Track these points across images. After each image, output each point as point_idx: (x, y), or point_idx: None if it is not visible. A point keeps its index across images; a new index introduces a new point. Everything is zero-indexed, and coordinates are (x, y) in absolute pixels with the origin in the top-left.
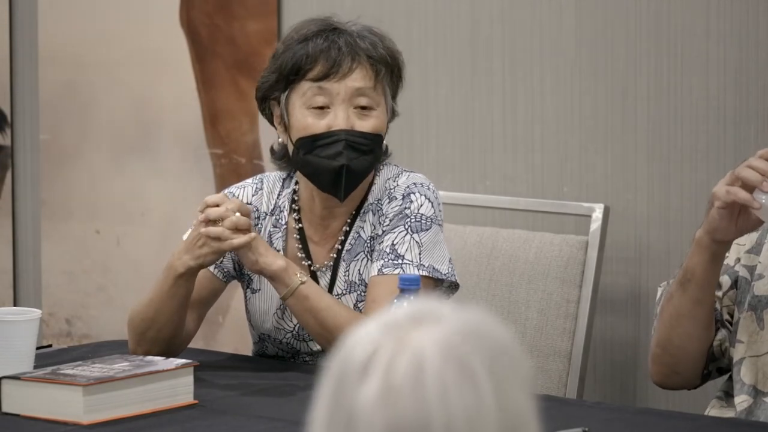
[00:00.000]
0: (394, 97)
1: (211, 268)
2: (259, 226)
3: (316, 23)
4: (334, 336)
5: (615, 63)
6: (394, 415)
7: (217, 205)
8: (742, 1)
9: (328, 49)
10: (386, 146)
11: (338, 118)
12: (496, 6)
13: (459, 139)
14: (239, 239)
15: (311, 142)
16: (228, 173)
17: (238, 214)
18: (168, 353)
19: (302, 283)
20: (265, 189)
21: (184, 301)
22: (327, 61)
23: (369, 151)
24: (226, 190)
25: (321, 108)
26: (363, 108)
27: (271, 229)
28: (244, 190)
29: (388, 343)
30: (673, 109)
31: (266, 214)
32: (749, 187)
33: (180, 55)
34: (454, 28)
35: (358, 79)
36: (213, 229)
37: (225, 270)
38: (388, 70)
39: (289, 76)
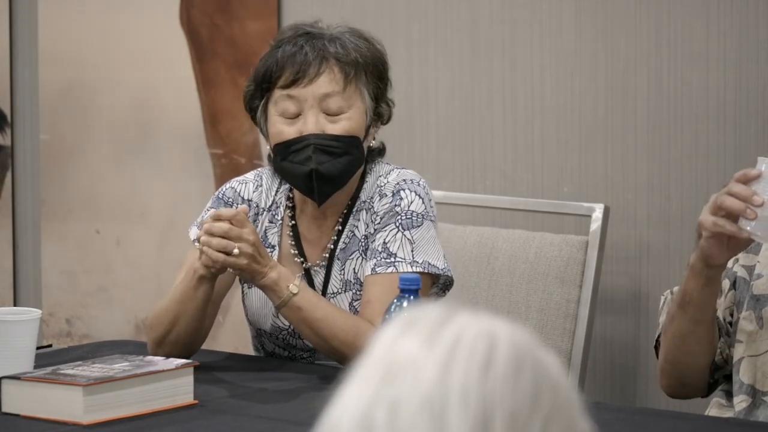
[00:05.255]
0: (377, 98)
1: None
2: (257, 221)
3: (292, 29)
4: (330, 345)
5: (615, 63)
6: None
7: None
8: (742, 1)
9: (294, 55)
10: (382, 144)
11: (308, 124)
12: (496, 6)
13: (459, 139)
14: (217, 256)
15: (284, 149)
16: (228, 173)
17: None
18: (188, 354)
19: (294, 294)
20: (264, 185)
21: (204, 304)
22: (293, 67)
23: (343, 153)
24: (228, 184)
25: (293, 115)
26: (336, 112)
27: (267, 225)
28: (245, 186)
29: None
30: (673, 109)
31: (264, 210)
32: (734, 215)
33: (180, 55)
34: (454, 28)
35: (324, 83)
36: (204, 240)
37: None
38: (361, 71)
39: (262, 84)
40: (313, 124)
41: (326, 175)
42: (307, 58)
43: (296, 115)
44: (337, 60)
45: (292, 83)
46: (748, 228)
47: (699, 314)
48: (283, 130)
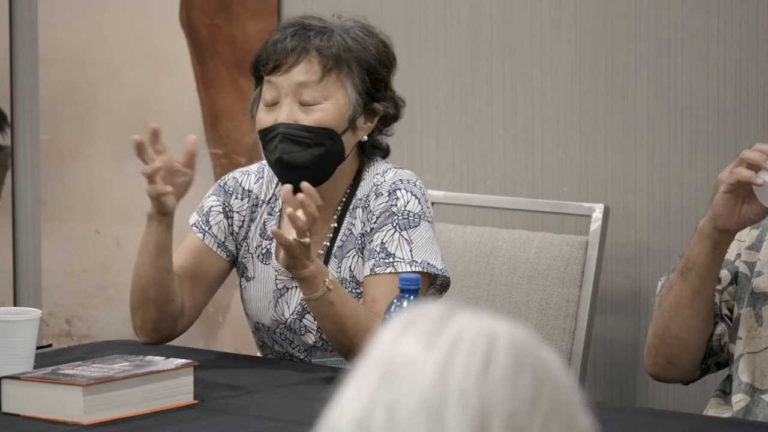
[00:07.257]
0: (369, 93)
1: (214, 246)
2: (256, 213)
3: (289, 21)
4: (351, 342)
5: (615, 63)
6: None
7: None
8: (742, 1)
9: (276, 43)
10: (387, 145)
11: (282, 112)
12: (496, 6)
13: (459, 139)
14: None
15: (263, 137)
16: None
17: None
18: (164, 319)
19: (329, 290)
20: (266, 177)
21: (157, 250)
22: (275, 54)
23: (313, 144)
24: (231, 174)
25: (271, 103)
26: (310, 102)
27: (266, 217)
28: (247, 177)
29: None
30: (673, 109)
31: (263, 202)
32: (754, 168)
33: (180, 55)
34: (454, 28)
35: (301, 72)
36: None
37: (228, 250)
38: (343, 64)
39: (255, 73)
40: (286, 113)
41: (293, 164)
42: (286, 46)
43: (274, 104)
44: (318, 51)
45: (273, 70)
46: (766, 177)
47: (700, 283)
48: (262, 118)
